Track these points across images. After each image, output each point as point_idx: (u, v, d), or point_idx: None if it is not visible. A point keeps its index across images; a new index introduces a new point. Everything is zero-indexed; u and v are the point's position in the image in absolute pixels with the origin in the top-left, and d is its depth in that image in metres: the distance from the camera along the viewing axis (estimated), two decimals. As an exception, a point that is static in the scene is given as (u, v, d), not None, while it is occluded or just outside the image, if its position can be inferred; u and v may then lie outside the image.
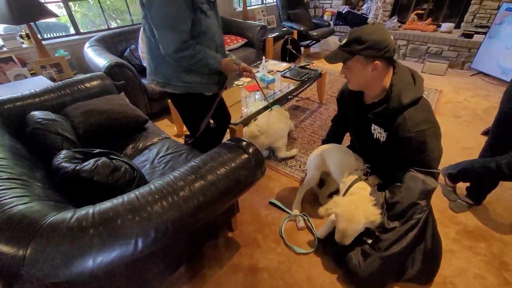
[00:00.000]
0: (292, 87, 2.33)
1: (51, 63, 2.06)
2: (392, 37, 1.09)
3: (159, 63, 1.32)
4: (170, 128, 2.52)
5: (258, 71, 2.52)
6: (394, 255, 1.18)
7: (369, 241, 1.27)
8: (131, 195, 0.90)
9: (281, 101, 2.19)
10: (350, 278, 1.30)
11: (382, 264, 1.19)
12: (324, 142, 1.76)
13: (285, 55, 3.49)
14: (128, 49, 2.56)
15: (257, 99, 2.23)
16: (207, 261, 1.43)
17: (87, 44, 2.38)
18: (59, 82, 1.66)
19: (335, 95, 3.11)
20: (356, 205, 1.23)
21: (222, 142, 1.24)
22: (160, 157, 1.46)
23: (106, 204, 0.85)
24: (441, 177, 1.88)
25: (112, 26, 2.91)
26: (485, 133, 2.37)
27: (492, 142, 1.57)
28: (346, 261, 1.29)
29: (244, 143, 1.20)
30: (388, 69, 1.15)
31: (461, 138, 2.34)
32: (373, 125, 1.26)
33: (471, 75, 3.61)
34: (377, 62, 1.09)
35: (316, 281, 1.34)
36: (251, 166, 1.13)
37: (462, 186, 1.77)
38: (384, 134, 1.21)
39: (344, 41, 1.13)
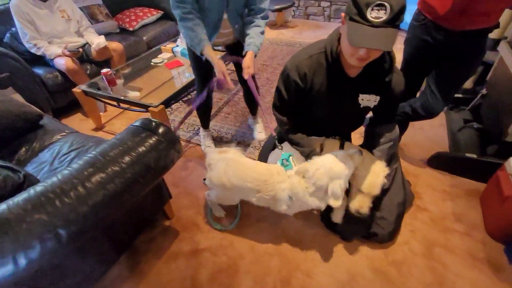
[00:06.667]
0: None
1: None
2: None
3: None
4: (85, 122, 2.21)
5: (177, 45, 2.31)
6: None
7: None
8: (2, 206, 0.73)
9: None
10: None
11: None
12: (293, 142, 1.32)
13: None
14: (8, 33, 2.08)
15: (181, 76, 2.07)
16: (143, 255, 1.34)
17: None
18: None
19: (267, 64, 3.07)
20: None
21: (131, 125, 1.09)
22: (62, 156, 1.26)
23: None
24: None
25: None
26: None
27: (402, 90, 1.70)
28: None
29: (153, 123, 1.07)
30: None
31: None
32: (360, 95, 1.13)
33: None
34: None
35: (260, 248, 1.36)
36: (163, 148, 1.02)
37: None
38: (377, 98, 1.13)
39: (387, 16, 0.83)
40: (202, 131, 1.94)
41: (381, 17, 0.83)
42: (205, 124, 1.90)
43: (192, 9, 1.27)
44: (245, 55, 1.37)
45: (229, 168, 1.21)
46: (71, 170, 0.86)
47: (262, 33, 1.41)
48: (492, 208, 1.38)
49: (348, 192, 1.24)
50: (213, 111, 2.30)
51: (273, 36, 3.87)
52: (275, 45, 3.56)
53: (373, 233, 1.30)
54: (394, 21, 0.84)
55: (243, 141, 1.99)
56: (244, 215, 1.49)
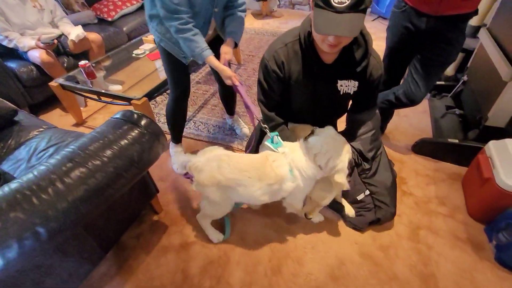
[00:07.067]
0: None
1: None
2: None
3: None
4: (65, 118, 2.12)
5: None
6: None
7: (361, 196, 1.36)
8: (-27, 206, 0.69)
9: (193, 65, 2.01)
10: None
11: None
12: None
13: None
14: (-25, 25, 1.95)
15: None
16: (131, 252, 1.31)
17: None
18: None
19: (253, 54, 3.03)
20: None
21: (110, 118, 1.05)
22: (40, 153, 1.20)
23: None
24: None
25: None
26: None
27: (387, 78, 1.72)
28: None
29: (135, 115, 1.04)
30: None
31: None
32: (339, 81, 1.12)
33: (373, 20, 3.91)
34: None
35: (250, 238, 1.36)
36: (146, 141, 0.99)
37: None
38: (355, 83, 1.12)
39: (350, 1, 0.82)
40: (173, 147, 1.73)
41: (345, 2, 0.82)
42: (177, 137, 1.70)
43: (188, 18, 1.17)
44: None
45: (223, 163, 1.11)
46: (48, 165, 0.82)
47: (243, 23, 1.38)
48: (473, 190, 1.43)
49: None
50: (200, 103, 2.27)
51: (259, 26, 3.81)
52: (260, 35, 3.51)
53: (377, 219, 1.34)
54: (358, 5, 0.83)
55: (230, 133, 1.96)
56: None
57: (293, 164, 1.12)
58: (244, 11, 1.38)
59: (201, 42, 1.22)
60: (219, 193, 1.16)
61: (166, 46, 1.32)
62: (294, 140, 1.20)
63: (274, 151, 1.16)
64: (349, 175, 1.32)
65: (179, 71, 1.43)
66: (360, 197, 1.36)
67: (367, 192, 1.35)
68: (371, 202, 1.35)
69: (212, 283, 1.20)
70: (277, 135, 1.20)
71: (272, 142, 1.19)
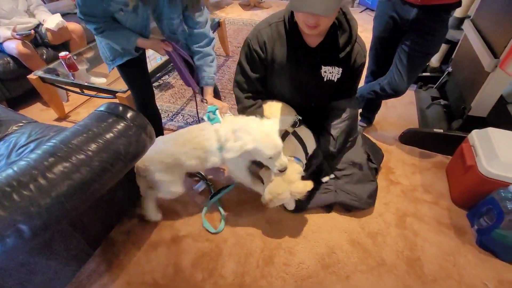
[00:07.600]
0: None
1: None
2: None
3: None
4: (47, 113, 2.04)
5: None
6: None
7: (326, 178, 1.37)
8: None
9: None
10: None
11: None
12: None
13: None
14: None
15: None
16: (121, 247, 1.29)
17: None
18: None
19: (241, 45, 2.98)
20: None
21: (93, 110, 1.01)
22: (20, 148, 1.15)
23: None
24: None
25: None
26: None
27: (374, 68, 1.73)
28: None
29: (120, 107, 1.00)
30: None
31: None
32: (323, 67, 1.11)
33: (360, 12, 3.92)
34: None
35: (241, 231, 1.36)
36: (132, 133, 0.96)
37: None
38: (339, 70, 1.12)
39: None
40: None
41: None
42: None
43: (102, 22, 1.12)
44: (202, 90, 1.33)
45: (156, 146, 1.17)
46: (28, 161, 0.78)
47: (213, 60, 1.34)
48: (457, 178, 1.49)
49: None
50: (188, 96, 2.22)
51: (247, 17, 3.75)
52: (249, 27, 3.45)
53: (349, 206, 1.37)
54: None
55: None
56: (224, 201, 1.48)
57: (221, 141, 1.13)
58: (210, 44, 1.33)
59: (123, 32, 1.18)
60: (163, 165, 1.20)
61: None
62: None
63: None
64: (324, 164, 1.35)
65: (135, 77, 1.39)
66: (325, 179, 1.38)
67: (332, 176, 1.38)
68: (333, 185, 1.38)
69: (204, 275, 1.20)
70: (214, 111, 1.21)
71: (208, 117, 1.21)
